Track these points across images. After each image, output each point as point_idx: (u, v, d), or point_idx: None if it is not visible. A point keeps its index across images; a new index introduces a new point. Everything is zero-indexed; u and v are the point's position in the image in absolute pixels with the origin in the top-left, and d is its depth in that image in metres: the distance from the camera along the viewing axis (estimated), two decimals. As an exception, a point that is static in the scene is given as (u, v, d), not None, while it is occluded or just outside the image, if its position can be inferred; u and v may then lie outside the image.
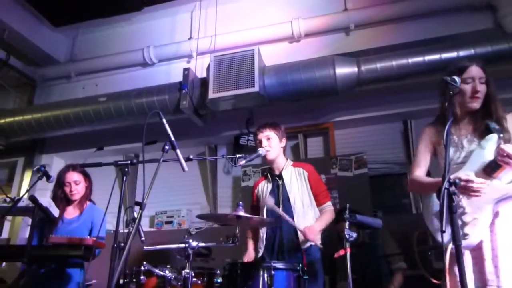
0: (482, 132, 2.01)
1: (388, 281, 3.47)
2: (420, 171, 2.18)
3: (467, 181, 1.85)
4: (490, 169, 1.89)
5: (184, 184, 5.14)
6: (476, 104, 2.04)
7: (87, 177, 3.21)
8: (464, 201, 1.91)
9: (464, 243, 1.81)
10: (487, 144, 1.96)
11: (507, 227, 1.86)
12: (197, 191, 5.14)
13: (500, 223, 1.87)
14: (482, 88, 2.03)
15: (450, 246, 1.78)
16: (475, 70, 2.05)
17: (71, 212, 3.12)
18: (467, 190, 1.85)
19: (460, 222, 1.86)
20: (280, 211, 2.65)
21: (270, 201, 2.72)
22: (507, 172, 1.89)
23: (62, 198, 3.10)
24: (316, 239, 2.60)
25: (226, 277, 2.40)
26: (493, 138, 1.95)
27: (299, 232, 2.63)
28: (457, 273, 1.82)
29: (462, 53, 3.73)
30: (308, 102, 4.51)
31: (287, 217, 2.61)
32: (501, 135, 1.96)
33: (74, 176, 3.11)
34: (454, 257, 1.80)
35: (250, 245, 2.86)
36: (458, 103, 2.04)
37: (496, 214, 1.88)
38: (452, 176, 1.86)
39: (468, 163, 1.98)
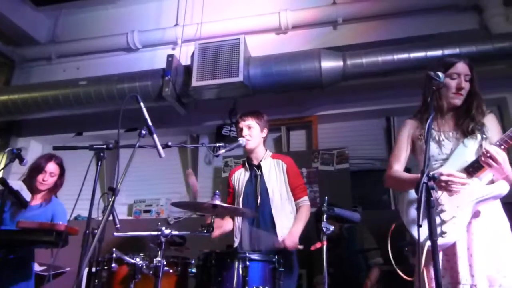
0: (464, 130, 1.99)
1: (365, 276, 3.49)
2: (399, 166, 2.13)
3: (449, 175, 1.83)
4: (472, 169, 1.88)
5: (164, 173, 5.08)
6: (458, 101, 2.03)
7: (62, 173, 3.15)
8: (444, 199, 1.90)
9: (441, 241, 1.79)
10: (469, 143, 1.95)
11: (484, 228, 1.86)
12: (177, 180, 5.06)
13: (478, 223, 1.86)
14: (466, 85, 2.02)
15: (427, 244, 1.77)
16: (461, 67, 2.02)
17: (35, 200, 3.05)
18: (448, 185, 1.83)
19: (439, 220, 1.85)
20: (256, 232, 2.62)
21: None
22: (488, 173, 1.89)
23: (33, 184, 3.02)
24: (296, 244, 2.52)
25: (200, 267, 2.36)
26: (476, 138, 1.95)
27: (276, 224, 2.60)
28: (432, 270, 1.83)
29: (447, 51, 3.74)
30: (293, 95, 4.48)
31: (264, 235, 2.58)
32: (484, 136, 1.95)
33: (52, 168, 3.06)
34: (430, 254, 1.81)
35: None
36: (443, 97, 2.03)
37: (475, 214, 1.87)
38: (433, 172, 1.84)
39: (450, 161, 1.97)
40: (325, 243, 2.13)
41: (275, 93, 4.31)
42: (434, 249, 1.49)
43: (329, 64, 3.98)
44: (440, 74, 1.80)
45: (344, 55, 4.04)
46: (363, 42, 4.37)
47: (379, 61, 3.94)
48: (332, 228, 2.12)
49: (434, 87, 1.80)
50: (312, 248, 2.19)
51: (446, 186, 1.84)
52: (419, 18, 4.33)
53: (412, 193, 1.96)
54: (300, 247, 2.53)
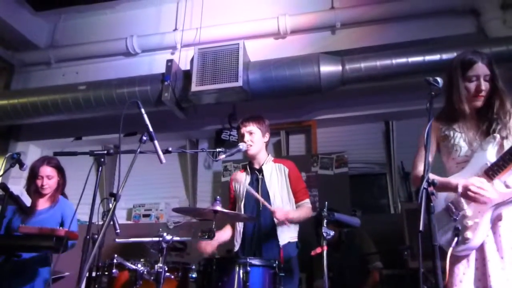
0: (485, 132, 1.93)
1: (365, 280, 3.50)
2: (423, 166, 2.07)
3: (479, 188, 1.77)
4: (492, 172, 1.81)
5: (164, 177, 5.08)
6: (479, 103, 1.96)
7: (60, 172, 3.11)
8: (466, 205, 1.86)
9: (464, 247, 1.79)
10: (488, 145, 1.89)
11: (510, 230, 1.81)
12: (177, 185, 5.08)
13: (505, 226, 1.82)
14: (486, 86, 1.95)
15: (451, 249, 1.79)
16: (480, 68, 1.94)
17: (42, 204, 3.02)
18: (477, 197, 1.78)
19: (462, 226, 1.82)
20: (255, 193, 2.62)
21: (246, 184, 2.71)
22: (510, 175, 1.82)
23: (34, 190, 3.01)
24: (286, 219, 2.51)
25: (201, 272, 2.36)
26: (495, 139, 1.88)
27: (277, 229, 2.60)
28: (455, 273, 1.82)
29: (445, 56, 3.75)
30: (292, 99, 4.49)
31: (261, 198, 2.59)
32: (504, 135, 1.88)
33: (48, 171, 3.02)
34: (453, 258, 1.82)
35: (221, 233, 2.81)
36: (465, 100, 1.95)
37: (498, 217, 1.82)
38: (463, 182, 1.81)
39: (470, 165, 1.91)
40: (325, 248, 2.14)
41: (274, 97, 4.32)
42: (434, 254, 1.49)
43: (328, 68, 4.00)
44: (438, 79, 1.80)
45: (342, 59, 4.04)
46: (361, 46, 4.39)
47: (377, 65, 3.95)
48: (332, 233, 2.13)
49: (433, 93, 1.80)
50: (313, 253, 2.19)
51: (474, 199, 1.79)
52: (417, 22, 4.35)
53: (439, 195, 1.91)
54: (288, 223, 2.53)
